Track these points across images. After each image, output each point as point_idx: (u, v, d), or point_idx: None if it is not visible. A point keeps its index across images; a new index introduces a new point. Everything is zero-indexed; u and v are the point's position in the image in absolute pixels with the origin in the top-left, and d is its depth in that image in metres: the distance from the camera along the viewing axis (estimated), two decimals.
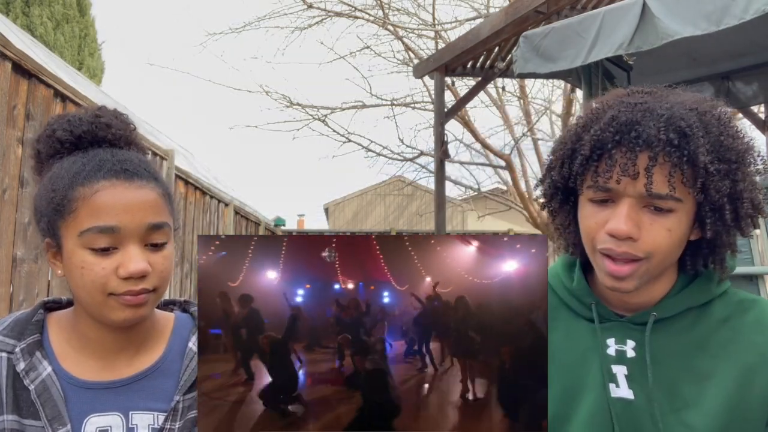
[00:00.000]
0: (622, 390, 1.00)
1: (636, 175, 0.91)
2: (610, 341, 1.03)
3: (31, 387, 0.97)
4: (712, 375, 0.97)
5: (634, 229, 0.93)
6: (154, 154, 5.00)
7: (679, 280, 1.04)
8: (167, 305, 1.17)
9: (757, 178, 0.97)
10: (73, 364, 1.02)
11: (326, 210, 22.71)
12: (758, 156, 0.97)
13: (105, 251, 0.94)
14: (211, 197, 6.84)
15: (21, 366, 0.98)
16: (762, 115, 6.22)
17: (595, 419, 1.01)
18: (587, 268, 1.08)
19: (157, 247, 0.98)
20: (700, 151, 0.90)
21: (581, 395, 1.03)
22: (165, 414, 1.01)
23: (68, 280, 0.99)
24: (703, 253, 1.01)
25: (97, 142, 1.02)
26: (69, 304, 1.09)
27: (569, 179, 1.00)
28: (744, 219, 0.95)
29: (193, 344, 1.08)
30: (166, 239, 0.99)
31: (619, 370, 1.01)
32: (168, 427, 1.01)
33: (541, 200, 1.11)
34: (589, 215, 0.99)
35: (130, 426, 1.00)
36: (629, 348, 1.02)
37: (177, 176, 5.57)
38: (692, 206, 0.95)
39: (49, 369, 0.99)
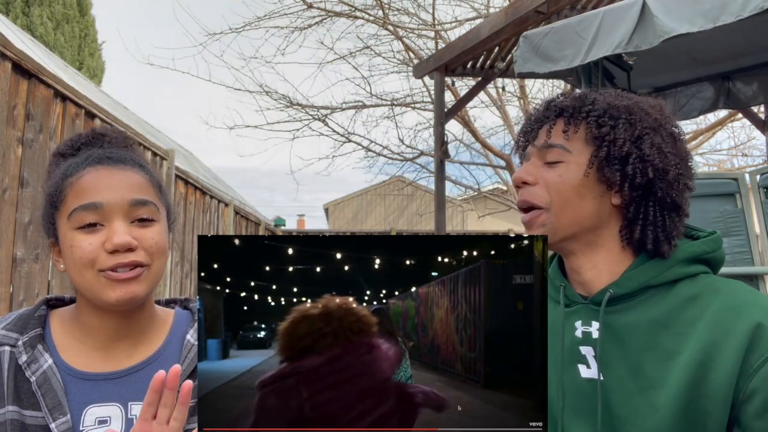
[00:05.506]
0: (592, 370, 1.03)
1: (536, 134, 1.10)
2: (578, 323, 1.07)
3: (32, 378, 0.98)
4: (677, 353, 0.97)
5: (528, 176, 1.08)
6: (154, 154, 4.99)
7: (638, 260, 1.07)
8: (168, 303, 1.19)
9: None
10: (73, 356, 1.03)
11: (326, 210, 22.73)
12: (665, 124, 1.05)
13: (91, 227, 0.98)
14: (211, 197, 6.84)
15: (23, 359, 0.99)
16: (762, 115, 6.23)
17: (568, 400, 1.04)
18: (562, 261, 1.16)
19: (144, 222, 1.01)
20: (589, 110, 1.06)
21: (554, 376, 1.05)
22: None
23: (66, 270, 1.02)
24: (639, 226, 1.04)
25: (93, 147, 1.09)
26: (72, 301, 1.11)
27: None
28: (637, 176, 1.02)
29: (191, 336, 1.10)
30: (152, 216, 1.02)
31: (588, 351, 1.05)
32: None
33: None
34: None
35: (129, 417, 1.01)
36: (594, 329, 1.05)
37: (177, 176, 5.56)
38: (584, 158, 1.05)
39: (50, 361, 1.00)
